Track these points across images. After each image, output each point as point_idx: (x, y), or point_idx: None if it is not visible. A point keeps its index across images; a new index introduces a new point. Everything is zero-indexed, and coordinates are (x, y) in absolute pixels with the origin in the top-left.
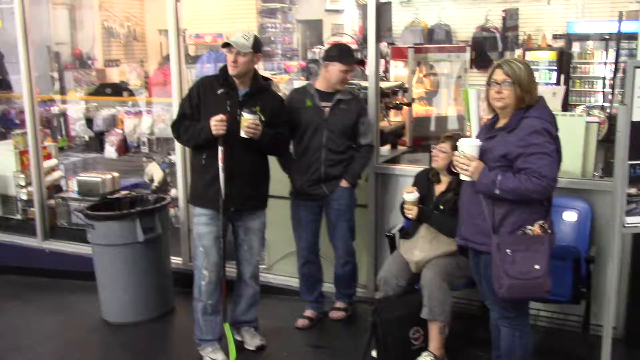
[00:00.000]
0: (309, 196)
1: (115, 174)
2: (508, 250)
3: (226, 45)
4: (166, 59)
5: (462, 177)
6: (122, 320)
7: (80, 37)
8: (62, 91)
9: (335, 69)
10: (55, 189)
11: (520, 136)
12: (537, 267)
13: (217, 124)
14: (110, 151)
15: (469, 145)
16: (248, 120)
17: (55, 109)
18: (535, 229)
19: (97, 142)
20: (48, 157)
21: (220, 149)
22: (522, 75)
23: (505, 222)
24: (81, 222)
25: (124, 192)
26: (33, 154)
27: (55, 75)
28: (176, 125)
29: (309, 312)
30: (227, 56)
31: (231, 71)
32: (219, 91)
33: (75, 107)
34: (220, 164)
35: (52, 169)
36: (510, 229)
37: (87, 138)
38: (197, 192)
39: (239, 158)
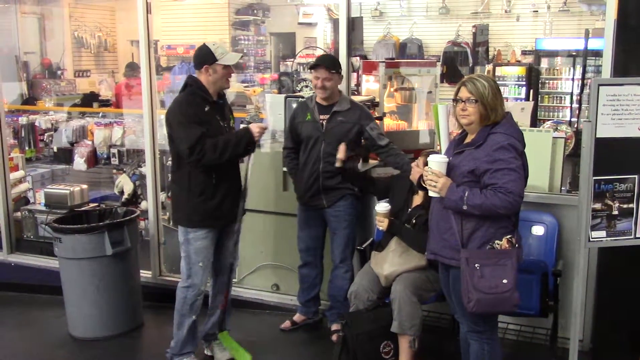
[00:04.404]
0: (309, 206)
1: (84, 186)
2: (476, 265)
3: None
4: (130, 68)
5: (431, 194)
6: (90, 336)
7: (50, 47)
8: (30, 101)
9: (313, 77)
10: (22, 201)
11: (487, 152)
12: (505, 281)
13: (261, 130)
14: (79, 163)
15: (437, 162)
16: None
17: (23, 119)
18: (503, 243)
19: (65, 153)
20: (15, 168)
21: (251, 155)
22: (487, 93)
23: (474, 237)
24: (48, 235)
25: (92, 205)
26: None
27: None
28: (198, 146)
29: (296, 315)
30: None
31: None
32: (206, 108)
33: (45, 117)
34: (250, 168)
35: (19, 181)
36: (478, 243)
37: (55, 149)
38: (207, 214)
39: (236, 167)
